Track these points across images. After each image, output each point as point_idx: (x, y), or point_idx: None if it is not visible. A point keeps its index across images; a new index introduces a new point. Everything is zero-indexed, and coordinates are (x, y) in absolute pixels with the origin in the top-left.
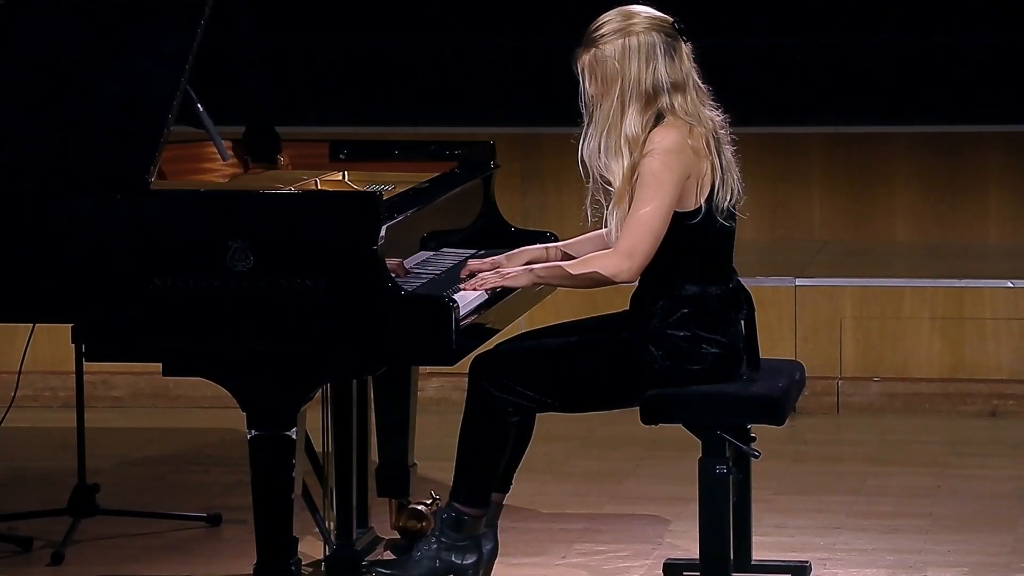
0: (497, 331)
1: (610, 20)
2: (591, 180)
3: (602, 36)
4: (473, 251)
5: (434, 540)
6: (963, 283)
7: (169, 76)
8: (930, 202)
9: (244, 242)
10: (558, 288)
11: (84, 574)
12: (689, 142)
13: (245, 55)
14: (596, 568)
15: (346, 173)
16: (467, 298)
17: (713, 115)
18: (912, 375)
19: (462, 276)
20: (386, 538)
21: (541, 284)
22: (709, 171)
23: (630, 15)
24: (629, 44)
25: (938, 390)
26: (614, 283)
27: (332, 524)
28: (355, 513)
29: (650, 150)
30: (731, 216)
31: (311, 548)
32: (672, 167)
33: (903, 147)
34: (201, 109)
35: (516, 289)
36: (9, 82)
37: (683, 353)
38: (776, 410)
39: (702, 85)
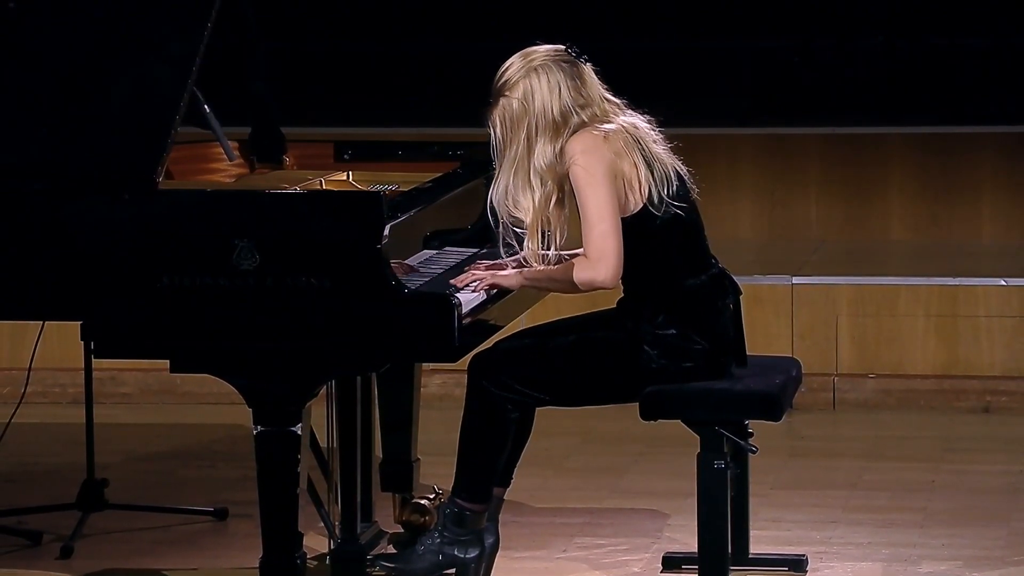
0: (499, 328)
1: (510, 66)
2: (499, 225)
3: (506, 83)
4: (475, 250)
5: (437, 534)
6: (957, 281)
7: (176, 78)
8: (925, 202)
9: (250, 241)
10: None
11: (93, 567)
12: (609, 148)
13: (251, 57)
14: (596, 561)
15: (350, 173)
16: (469, 296)
17: (633, 120)
18: (907, 372)
19: (457, 281)
20: (389, 532)
21: (529, 286)
22: (633, 169)
23: (527, 55)
24: (531, 84)
25: (932, 387)
26: (598, 289)
27: (336, 518)
28: (359, 507)
29: (571, 158)
30: (681, 206)
31: (316, 542)
32: (595, 164)
33: (898, 148)
34: (208, 110)
35: (510, 289)
36: (20, 84)
37: (676, 351)
38: (773, 406)
39: (612, 98)
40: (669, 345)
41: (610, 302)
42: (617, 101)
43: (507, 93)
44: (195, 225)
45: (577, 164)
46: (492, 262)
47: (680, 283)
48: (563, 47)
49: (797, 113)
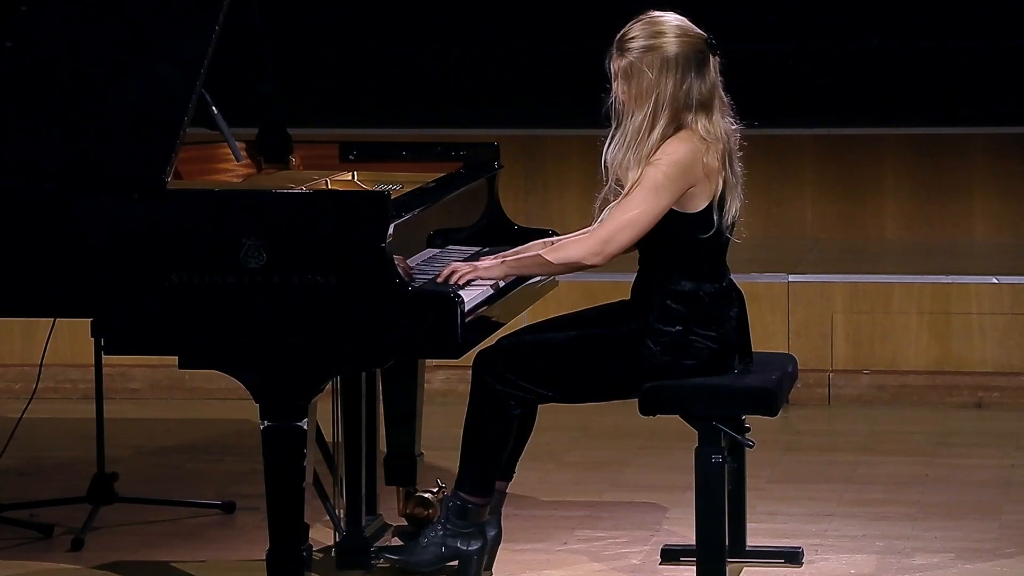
0: (501, 325)
1: (647, 29)
2: (608, 184)
3: (642, 47)
4: (478, 248)
5: (440, 527)
6: (950, 279)
7: (185, 80)
8: (918, 201)
9: (257, 240)
10: (559, 283)
11: (103, 560)
12: (704, 160)
13: (258, 59)
14: (596, 554)
15: (355, 173)
16: (472, 293)
17: (730, 126)
18: (901, 368)
19: (439, 278)
20: (394, 525)
21: (515, 273)
22: (722, 185)
23: (670, 28)
24: (667, 60)
25: (926, 382)
26: (585, 267)
27: (342, 511)
28: (364, 501)
29: (658, 159)
30: (730, 231)
31: (322, 535)
32: (675, 180)
33: (892, 148)
34: (216, 111)
35: (494, 280)
36: (31, 85)
37: (679, 348)
38: (770, 402)
39: (725, 98)
40: (673, 342)
41: (610, 297)
42: (726, 101)
43: (639, 54)
44: (203, 224)
45: (660, 166)
46: (467, 258)
47: (699, 286)
48: (703, 34)
49: (793, 114)
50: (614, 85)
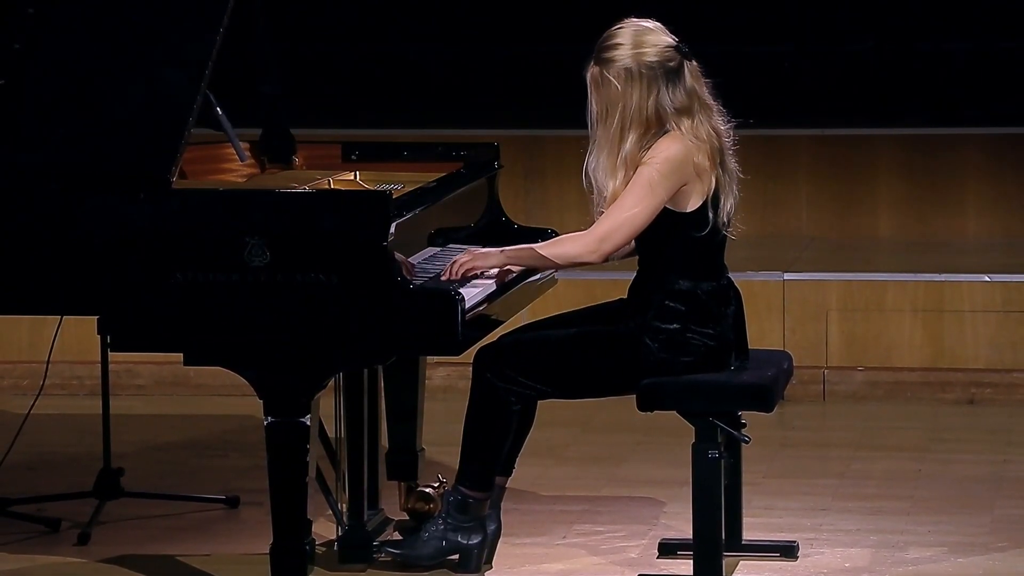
0: (501, 323)
1: (619, 40)
2: (595, 192)
3: (610, 58)
4: (478, 247)
5: (441, 521)
6: (943, 277)
7: (190, 81)
8: (912, 200)
9: (261, 238)
10: (559, 281)
11: (109, 553)
12: (695, 159)
13: (262, 60)
14: (595, 548)
15: (357, 173)
16: (472, 291)
17: (719, 126)
18: (894, 364)
19: (445, 275)
20: (395, 519)
21: (512, 263)
22: (715, 183)
23: (639, 42)
24: (632, 72)
25: (919, 379)
26: (581, 264)
27: (344, 506)
28: (366, 496)
29: (651, 158)
30: (727, 228)
31: (324, 529)
32: (669, 176)
33: (886, 148)
34: (220, 112)
35: (491, 268)
36: (39, 86)
37: (677, 345)
38: (765, 398)
39: (709, 101)
40: (671, 339)
41: (609, 296)
42: (711, 104)
43: (607, 65)
44: (208, 223)
45: (653, 166)
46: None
47: (697, 284)
48: (674, 44)
49: (789, 114)
50: (589, 93)
